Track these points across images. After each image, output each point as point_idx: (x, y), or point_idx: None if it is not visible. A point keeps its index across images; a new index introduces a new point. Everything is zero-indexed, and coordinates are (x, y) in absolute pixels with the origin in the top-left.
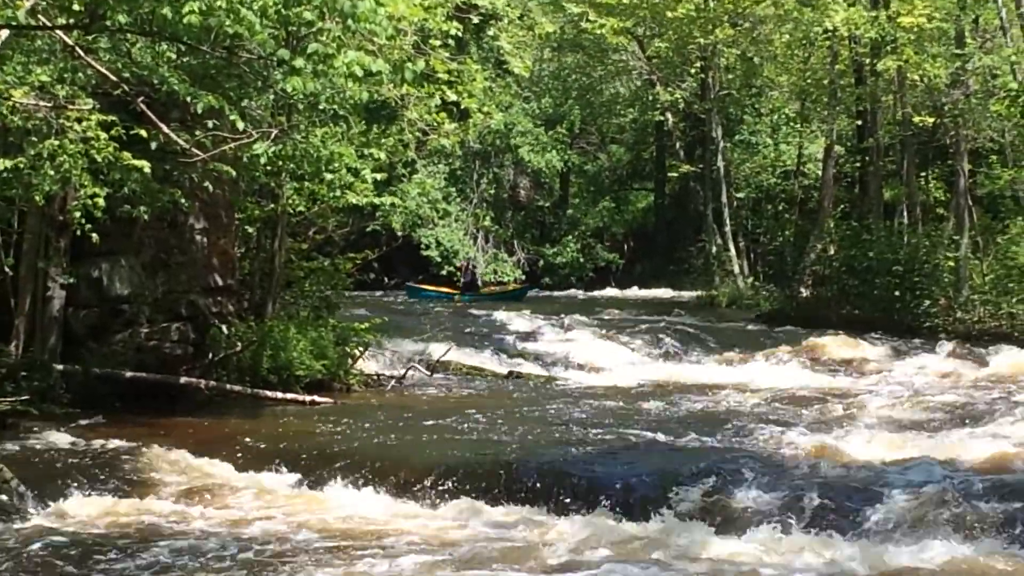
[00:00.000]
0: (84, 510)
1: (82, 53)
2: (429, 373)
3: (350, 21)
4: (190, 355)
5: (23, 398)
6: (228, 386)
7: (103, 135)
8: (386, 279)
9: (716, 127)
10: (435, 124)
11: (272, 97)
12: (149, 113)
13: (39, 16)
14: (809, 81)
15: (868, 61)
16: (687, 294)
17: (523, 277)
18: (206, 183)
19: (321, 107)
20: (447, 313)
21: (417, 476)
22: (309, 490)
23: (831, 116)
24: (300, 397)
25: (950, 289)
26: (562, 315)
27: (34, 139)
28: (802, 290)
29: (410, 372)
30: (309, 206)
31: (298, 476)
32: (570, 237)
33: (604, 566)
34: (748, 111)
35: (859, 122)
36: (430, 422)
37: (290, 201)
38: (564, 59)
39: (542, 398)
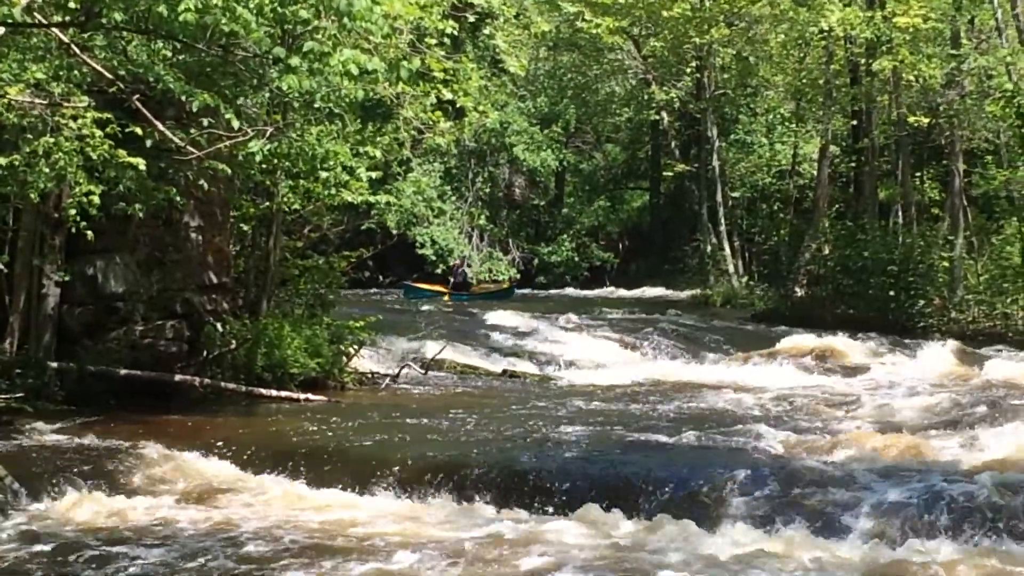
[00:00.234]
0: (78, 508)
1: (78, 51)
2: (423, 371)
3: (346, 19)
4: (185, 353)
5: (17, 395)
6: (223, 384)
7: (98, 133)
8: (381, 277)
9: (711, 127)
10: (430, 123)
11: (268, 95)
12: (144, 111)
13: (35, 13)
14: (804, 81)
15: (863, 61)
16: (682, 293)
17: (511, 277)
18: (201, 181)
19: (317, 105)
20: (441, 312)
21: (411, 475)
22: (303, 489)
23: (826, 116)
24: (294, 395)
25: (945, 289)
26: (556, 314)
27: (29, 136)
28: (797, 290)
29: (404, 370)
30: (304, 204)
31: (292, 474)
32: (565, 236)
33: (597, 564)
34: (743, 111)
35: (854, 122)
36: (424, 420)
37: (285, 199)
38: (560, 58)
39: (536, 397)
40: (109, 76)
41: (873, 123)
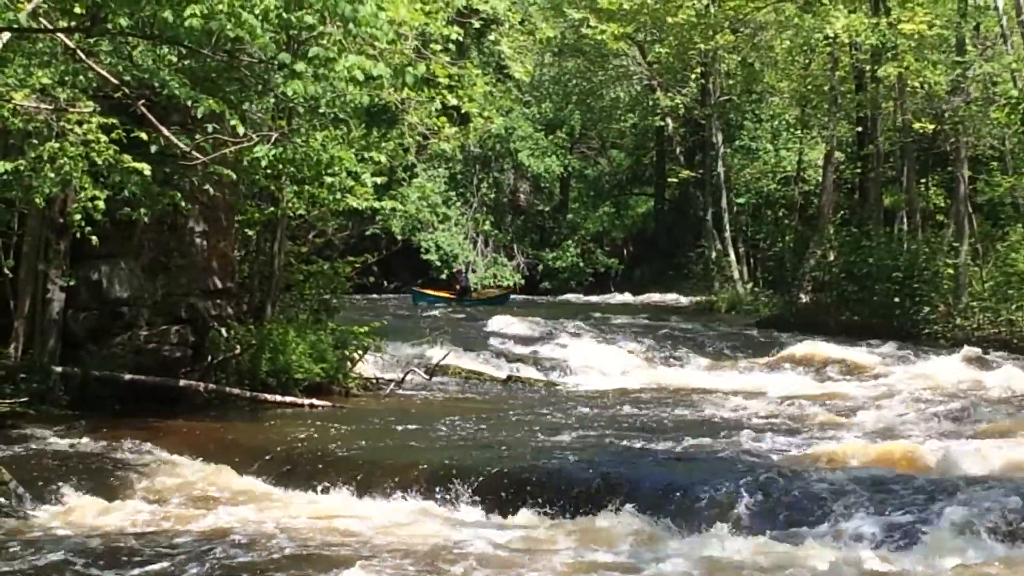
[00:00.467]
0: (82, 512)
1: (83, 56)
2: (428, 377)
3: (351, 25)
4: (189, 358)
5: (22, 400)
6: (227, 389)
7: (103, 138)
8: (385, 283)
9: (716, 133)
10: (435, 128)
11: (273, 100)
12: (150, 116)
13: (40, 19)
14: (809, 87)
15: (868, 68)
16: (686, 299)
17: (507, 284)
18: (206, 186)
19: (322, 111)
20: (446, 317)
21: (414, 480)
22: (307, 494)
23: (831, 122)
24: (299, 400)
25: (949, 296)
26: (561, 320)
27: (35, 141)
28: (801, 296)
29: (409, 376)
30: (309, 209)
31: (296, 480)
32: (570, 242)
33: (598, 569)
34: (748, 117)
35: (859, 128)
36: (428, 426)
37: (290, 204)
38: (564, 64)
39: (541, 403)
40: (114, 81)
41: (878, 129)
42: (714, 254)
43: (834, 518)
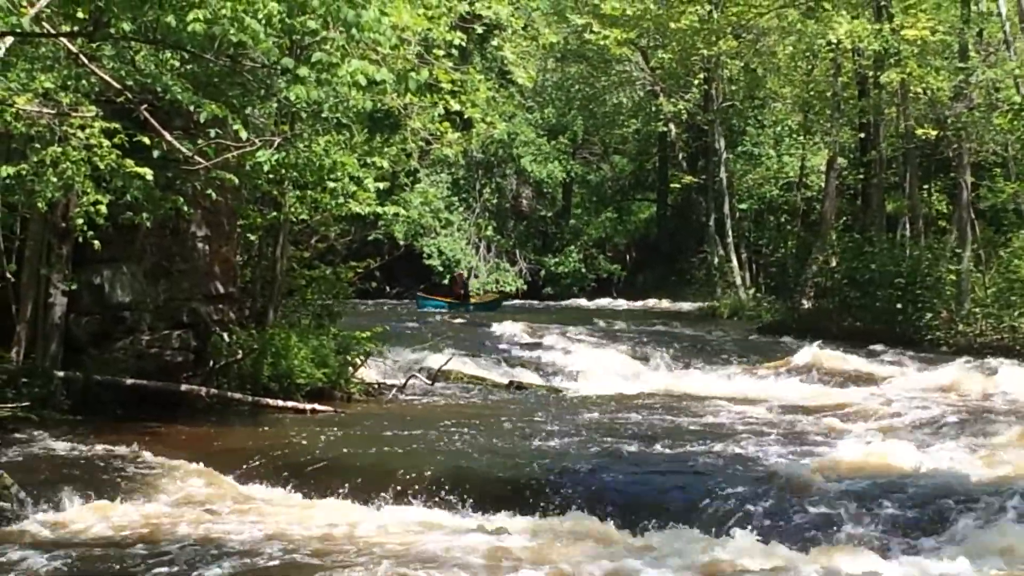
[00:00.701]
0: (84, 517)
1: (86, 60)
2: (430, 382)
3: (354, 30)
4: (191, 362)
5: (24, 404)
6: (229, 394)
7: (106, 142)
8: (388, 288)
9: (719, 138)
10: (438, 133)
11: (275, 105)
12: (152, 121)
13: (43, 23)
14: (812, 93)
15: (871, 73)
16: (689, 305)
17: (500, 290)
18: (209, 191)
19: (324, 116)
20: (448, 322)
21: (416, 486)
22: (308, 499)
23: (834, 128)
24: (301, 405)
25: (952, 302)
26: (563, 325)
27: (37, 146)
28: (804, 302)
29: (411, 381)
30: (311, 214)
31: (297, 485)
32: (572, 247)
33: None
34: (751, 122)
35: (862, 134)
36: (430, 432)
37: (292, 209)
38: (567, 70)
39: (542, 408)
40: (117, 86)
41: (881, 135)
42: (716, 260)
43: (839, 525)
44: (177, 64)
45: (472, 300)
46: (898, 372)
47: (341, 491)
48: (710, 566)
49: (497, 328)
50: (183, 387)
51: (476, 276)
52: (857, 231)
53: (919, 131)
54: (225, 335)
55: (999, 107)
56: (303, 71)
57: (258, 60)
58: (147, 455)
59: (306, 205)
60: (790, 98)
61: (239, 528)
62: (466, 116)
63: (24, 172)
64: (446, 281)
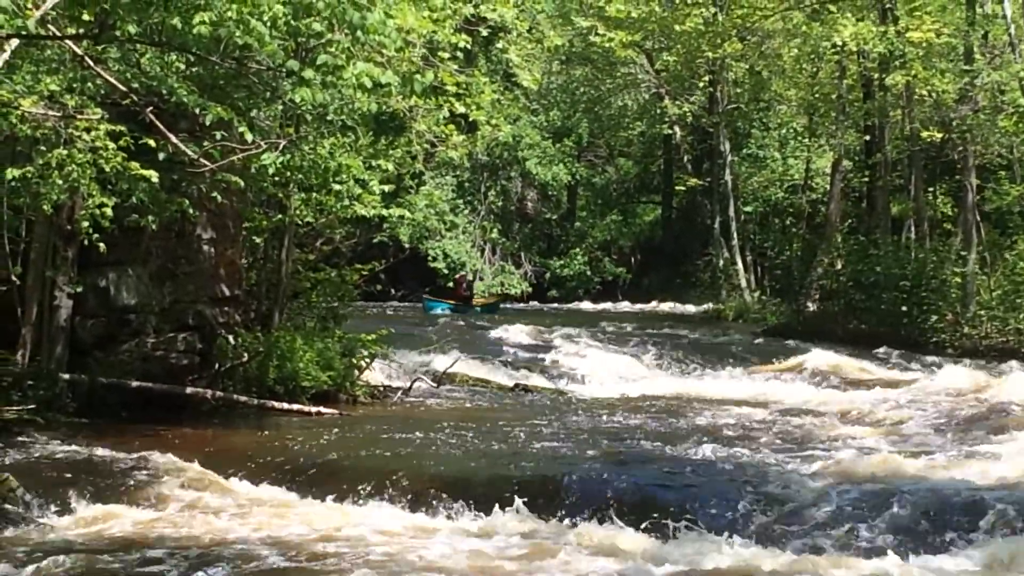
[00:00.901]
0: (90, 519)
1: (91, 63)
2: (435, 385)
3: (359, 33)
4: (196, 365)
5: (29, 407)
6: (234, 396)
7: (111, 145)
8: (393, 291)
9: (724, 141)
10: (443, 136)
11: (281, 108)
12: (158, 123)
13: (49, 26)
14: (817, 95)
15: (876, 76)
16: (694, 308)
17: (498, 292)
18: (214, 193)
19: (330, 118)
20: (453, 325)
21: (421, 489)
22: (312, 502)
23: (839, 130)
24: (306, 408)
25: (957, 304)
26: (568, 328)
27: (43, 148)
28: (809, 304)
29: (416, 384)
30: (316, 217)
31: (301, 488)
32: (577, 250)
33: None
34: (756, 125)
35: (867, 137)
36: (435, 434)
37: (298, 212)
38: (572, 72)
39: (548, 410)
40: (122, 88)
41: (886, 138)
42: (721, 262)
43: (846, 530)
44: (182, 66)
45: (475, 303)
46: (903, 375)
47: (345, 494)
48: (714, 572)
49: (502, 331)
50: (188, 390)
51: (481, 279)
52: (862, 234)
53: (924, 134)
54: (230, 338)
55: (1004, 109)
56: (308, 73)
57: (263, 62)
58: (152, 458)
59: (311, 208)
60: (795, 100)
61: (245, 530)
62: (471, 119)
63: (30, 174)
64: (451, 284)
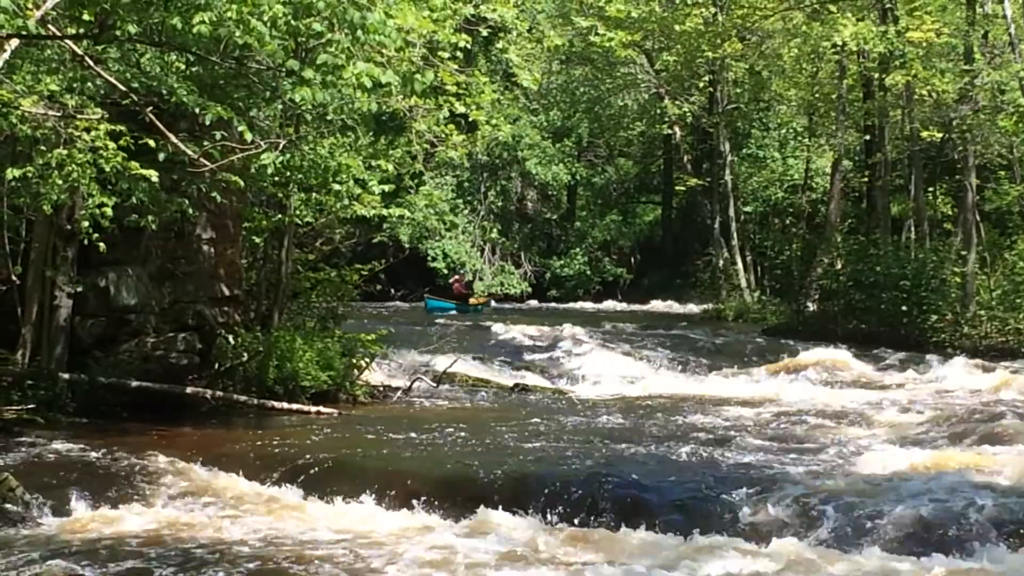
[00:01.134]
0: (89, 519)
1: (91, 63)
2: (435, 384)
3: (359, 32)
4: (196, 365)
5: (29, 407)
6: (234, 396)
7: (111, 145)
8: (393, 291)
9: (724, 141)
10: (443, 136)
11: (281, 107)
12: (158, 123)
13: (49, 26)
14: (817, 95)
15: (876, 76)
16: (694, 308)
17: (489, 292)
18: (214, 193)
19: (329, 118)
20: (453, 325)
21: (420, 488)
22: (313, 501)
23: (839, 130)
24: (306, 408)
25: (957, 304)
26: (568, 328)
27: (43, 148)
28: (809, 304)
29: (416, 383)
30: (316, 217)
31: (302, 487)
32: (577, 250)
33: None
34: (756, 125)
35: (867, 137)
36: (434, 434)
37: (297, 212)
38: (572, 72)
39: (547, 410)
40: (122, 88)
41: (886, 138)
42: (721, 262)
43: (843, 527)
44: (182, 66)
45: (471, 302)
46: (903, 375)
47: (344, 493)
48: (714, 572)
49: (502, 330)
50: (188, 389)
51: (481, 279)
52: (862, 233)
53: (924, 133)
54: (230, 337)
55: (1004, 109)
56: (308, 73)
57: (263, 62)
58: (152, 457)
59: (311, 207)
60: (795, 101)
61: (244, 530)
62: (471, 119)
63: (30, 174)
64: (449, 283)
